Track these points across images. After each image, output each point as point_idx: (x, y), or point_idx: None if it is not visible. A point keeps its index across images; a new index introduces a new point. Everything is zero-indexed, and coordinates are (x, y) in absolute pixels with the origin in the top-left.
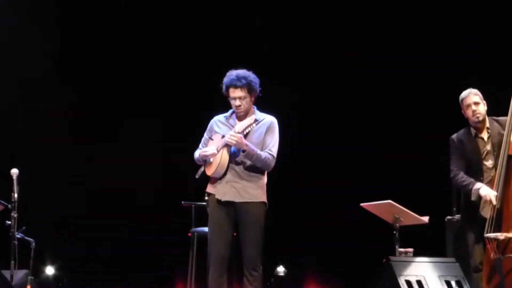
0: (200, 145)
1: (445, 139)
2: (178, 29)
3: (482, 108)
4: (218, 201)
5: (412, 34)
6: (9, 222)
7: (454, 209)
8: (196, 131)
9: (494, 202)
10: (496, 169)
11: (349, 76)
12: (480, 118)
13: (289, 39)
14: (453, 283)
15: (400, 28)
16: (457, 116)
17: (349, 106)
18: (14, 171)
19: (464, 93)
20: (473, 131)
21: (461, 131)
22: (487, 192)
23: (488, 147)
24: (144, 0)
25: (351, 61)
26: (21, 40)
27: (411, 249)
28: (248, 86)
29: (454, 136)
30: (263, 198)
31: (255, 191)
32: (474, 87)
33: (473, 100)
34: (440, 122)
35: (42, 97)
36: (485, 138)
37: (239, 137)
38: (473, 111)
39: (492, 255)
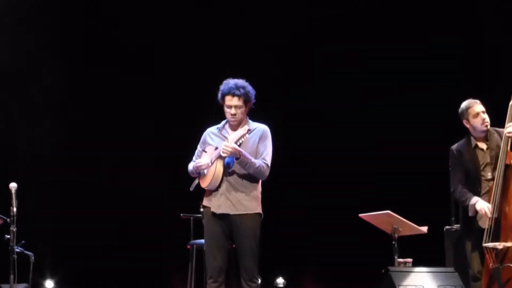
0: (194, 158)
1: (444, 148)
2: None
3: (487, 117)
4: (213, 214)
5: (413, 38)
6: (8, 236)
7: (453, 218)
8: (193, 141)
9: (489, 215)
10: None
11: (346, 83)
12: (489, 127)
13: (288, 38)
14: None
15: (400, 33)
16: (455, 125)
17: (347, 115)
18: (13, 185)
19: (468, 103)
20: (473, 142)
21: (461, 142)
22: (481, 206)
23: (488, 158)
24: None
25: (349, 67)
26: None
27: (410, 259)
28: (245, 96)
29: (453, 147)
30: (258, 209)
31: (249, 202)
32: (473, 97)
33: (481, 109)
34: (439, 131)
35: (39, 109)
36: (484, 149)
37: (232, 146)
38: (483, 119)
39: (490, 264)
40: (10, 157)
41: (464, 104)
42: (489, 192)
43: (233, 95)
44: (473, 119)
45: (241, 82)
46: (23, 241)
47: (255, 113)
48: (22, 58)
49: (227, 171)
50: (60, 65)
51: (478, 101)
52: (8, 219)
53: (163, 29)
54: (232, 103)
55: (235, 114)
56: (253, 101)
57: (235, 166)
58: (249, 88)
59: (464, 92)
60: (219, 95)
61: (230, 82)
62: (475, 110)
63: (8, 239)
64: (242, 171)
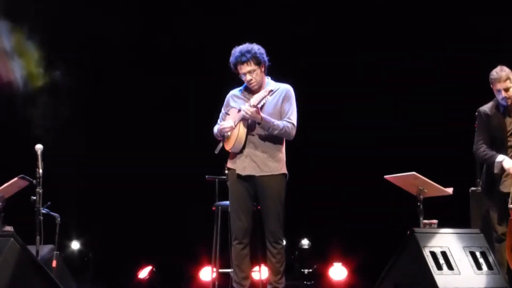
0: (218, 120)
1: (469, 110)
2: None
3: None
4: (238, 175)
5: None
6: (34, 198)
7: (478, 180)
8: (218, 105)
9: None
10: None
11: (372, 44)
12: (509, 102)
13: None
14: (477, 254)
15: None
16: (481, 87)
17: (371, 75)
18: (39, 147)
19: (493, 77)
20: (501, 106)
21: (490, 104)
22: (510, 164)
23: None
24: None
25: (376, 31)
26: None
27: (435, 221)
28: (254, 59)
29: (482, 108)
30: (283, 170)
31: (274, 163)
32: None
33: (503, 86)
34: (464, 93)
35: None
36: None
37: (253, 110)
38: (504, 97)
39: None
40: (35, 119)
41: (491, 74)
42: None
43: (242, 62)
44: (496, 92)
45: (245, 46)
46: (49, 203)
47: (280, 73)
48: None
49: (251, 133)
50: None
51: (503, 74)
52: (34, 181)
53: None
54: (244, 70)
55: (251, 79)
56: (266, 59)
57: (258, 129)
58: (256, 49)
59: (490, 56)
60: (232, 67)
61: (236, 51)
62: (497, 87)
63: (34, 200)
64: (266, 133)
